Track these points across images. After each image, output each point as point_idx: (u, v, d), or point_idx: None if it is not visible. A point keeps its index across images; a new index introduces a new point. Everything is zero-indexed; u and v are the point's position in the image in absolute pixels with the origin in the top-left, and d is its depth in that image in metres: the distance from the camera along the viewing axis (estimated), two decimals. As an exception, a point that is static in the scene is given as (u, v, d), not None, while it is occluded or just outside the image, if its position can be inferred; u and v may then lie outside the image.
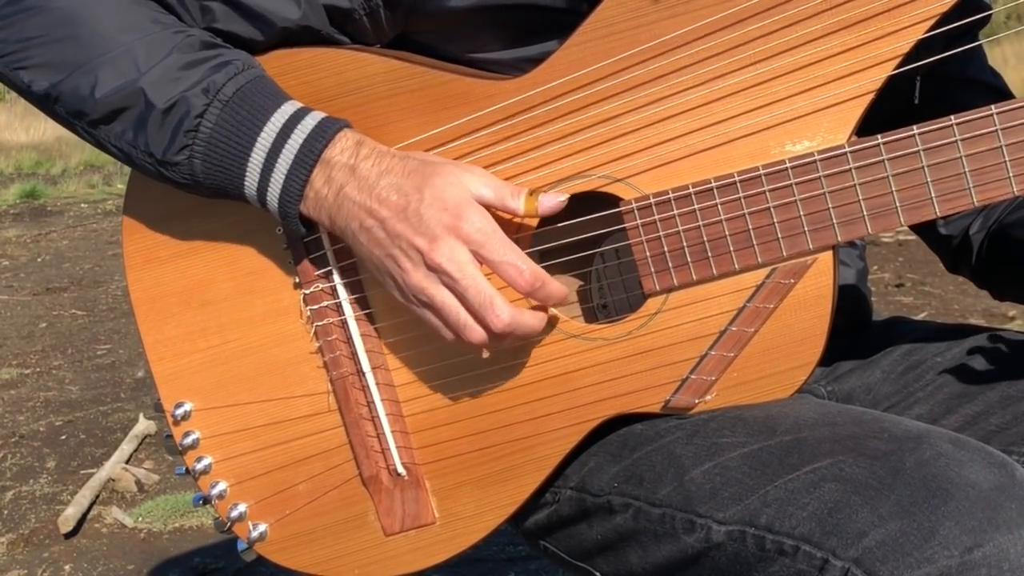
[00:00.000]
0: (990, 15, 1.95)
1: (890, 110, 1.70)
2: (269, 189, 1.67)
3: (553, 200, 1.65)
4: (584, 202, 1.71)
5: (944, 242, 2.10)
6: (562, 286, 1.68)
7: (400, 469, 1.78)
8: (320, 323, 1.78)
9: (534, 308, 1.68)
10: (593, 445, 1.79)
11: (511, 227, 1.70)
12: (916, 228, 2.12)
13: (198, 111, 1.65)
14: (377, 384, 1.77)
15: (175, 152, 1.67)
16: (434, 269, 1.62)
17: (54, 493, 5.11)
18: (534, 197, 1.65)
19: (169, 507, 4.86)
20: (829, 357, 1.85)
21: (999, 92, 2.03)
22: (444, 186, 1.62)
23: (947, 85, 1.89)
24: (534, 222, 1.71)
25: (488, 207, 1.65)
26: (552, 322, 1.73)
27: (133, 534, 4.70)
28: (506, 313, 1.62)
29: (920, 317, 6.13)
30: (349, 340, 1.77)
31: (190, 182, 1.71)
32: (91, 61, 1.67)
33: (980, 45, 2.05)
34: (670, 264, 1.69)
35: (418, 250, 1.61)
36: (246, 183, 1.68)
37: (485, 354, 1.74)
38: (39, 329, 8.17)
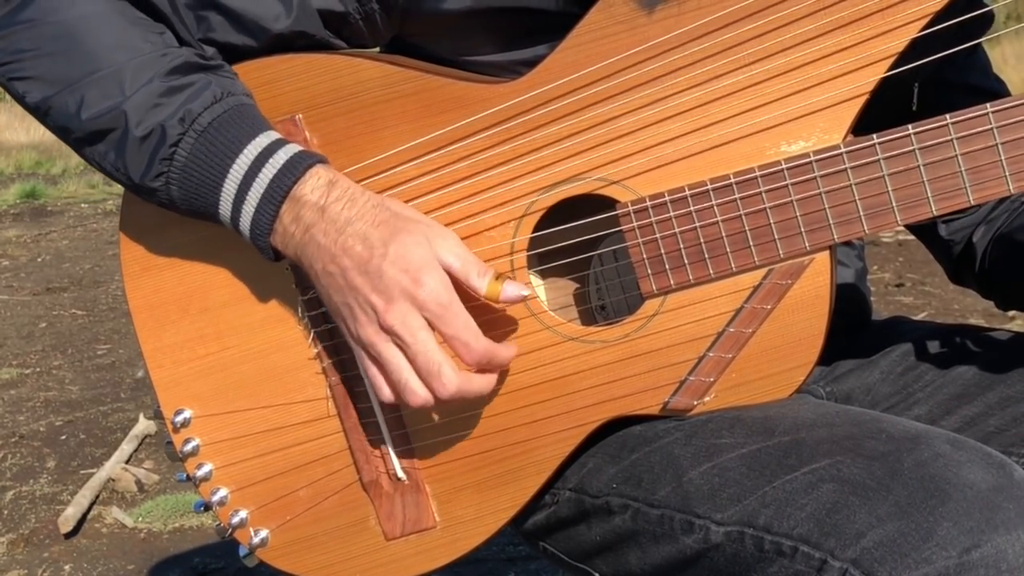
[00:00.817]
0: (991, 16, 1.94)
1: (888, 116, 1.67)
2: (241, 220, 1.66)
3: (516, 291, 1.64)
4: (581, 205, 1.70)
5: (946, 248, 2.09)
6: (511, 349, 1.68)
7: (400, 473, 1.77)
8: (318, 329, 1.77)
9: (483, 373, 1.67)
10: (592, 447, 1.79)
11: (506, 233, 1.70)
12: (920, 236, 2.12)
13: (173, 140, 1.65)
14: None
15: (152, 178, 1.67)
16: (386, 330, 1.61)
17: (54, 493, 5.11)
18: (499, 282, 1.63)
19: (169, 507, 4.86)
20: (828, 357, 1.84)
21: (998, 96, 1.97)
22: (410, 244, 1.60)
23: (948, 91, 1.88)
24: (531, 222, 1.70)
25: (451, 277, 1.63)
26: (550, 325, 1.72)
27: (133, 534, 4.70)
28: (453, 383, 1.61)
29: (920, 317, 6.14)
30: (347, 345, 1.73)
31: (170, 206, 1.71)
32: (80, 80, 1.66)
33: (983, 52, 2.06)
34: (667, 266, 1.68)
35: (373, 308, 1.61)
36: (220, 211, 1.67)
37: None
38: (39, 329, 8.17)
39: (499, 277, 1.64)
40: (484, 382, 1.67)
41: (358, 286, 1.61)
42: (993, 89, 2.04)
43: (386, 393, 1.66)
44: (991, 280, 2.07)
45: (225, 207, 1.67)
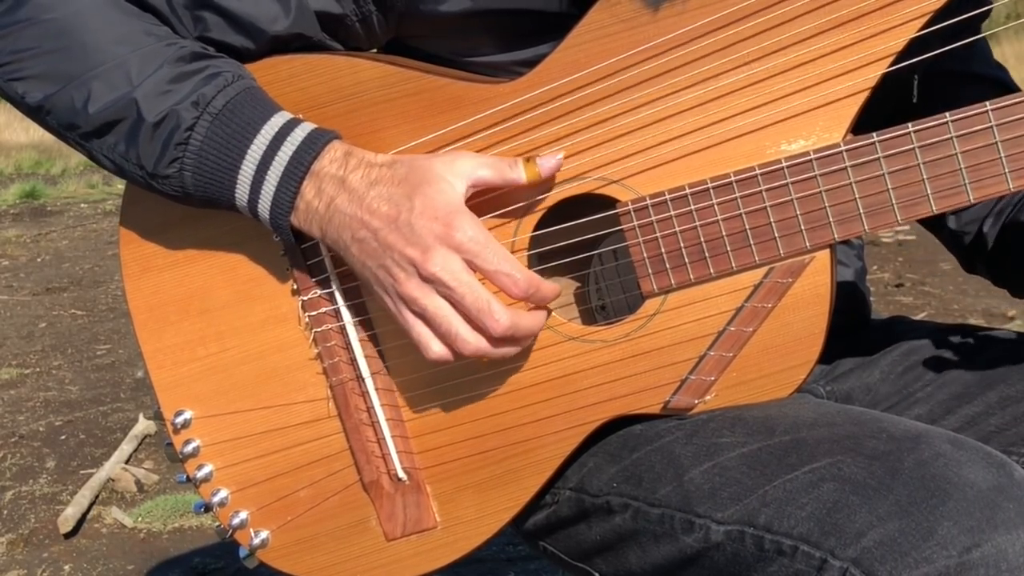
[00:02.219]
0: (990, 9, 1.93)
1: (888, 109, 1.69)
2: (260, 201, 1.66)
3: (552, 160, 1.65)
4: (581, 204, 1.70)
5: (957, 240, 2.09)
6: (556, 286, 1.67)
7: (401, 474, 1.77)
8: (319, 329, 1.77)
9: (531, 310, 1.68)
10: (592, 446, 1.79)
11: (507, 232, 1.70)
12: (930, 228, 2.11)
13: (188, 124, 1.64)
14: (376, 389, 1.76)
15: (166, 165, 1.66)
16: (428, 279, 1.61)
17: (54, 493, 5.11)
18: (532, 163, 1.64)
19: (169, 507, 4.86)
20: (828, 356, 1.84)
21: (1005, 86, 2.01)
22: (434, 194, 1.60)
23: (950, 81, 1.87)
24: (532, 221, 1.70)
25: (490, 187, 1.65)
26: (550, 325, 1.72)
27: (133, 534, 4.69)
28: (504, 316, 1.61)
29: (920, 317, 6.14)
30: (348, 346, 1.76)
31: (180, 194, 1.70)
32: (84, 74, 1.66)
33: (983, 39, 2.05)
34: (667, 265, 1.68)
35: (411, 261, 1.60)
36: (237, 195, 1.67)
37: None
38: (39, 329, 8.17)
39: (529, 159, 1.65)
40: (534, 320, 1.66)
41: (392, 243, 1.60)
42: (995, 76, 2.03)
43: (436, 348, 1.64)
44: (1003, 268, 2.06)
45: (243, 189, 1.66)
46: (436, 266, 1.59)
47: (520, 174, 1.63)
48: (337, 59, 1.74)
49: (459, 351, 1.64)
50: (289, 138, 1.65)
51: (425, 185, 1.61)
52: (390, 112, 1.72)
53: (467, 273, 1.61)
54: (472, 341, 1.63)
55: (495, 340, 1.64)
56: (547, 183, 1.68)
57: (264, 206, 1.67)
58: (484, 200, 1.69)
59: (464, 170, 1.63)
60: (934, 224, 2.10)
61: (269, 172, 1.65)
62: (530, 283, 1.63)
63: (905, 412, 1.91)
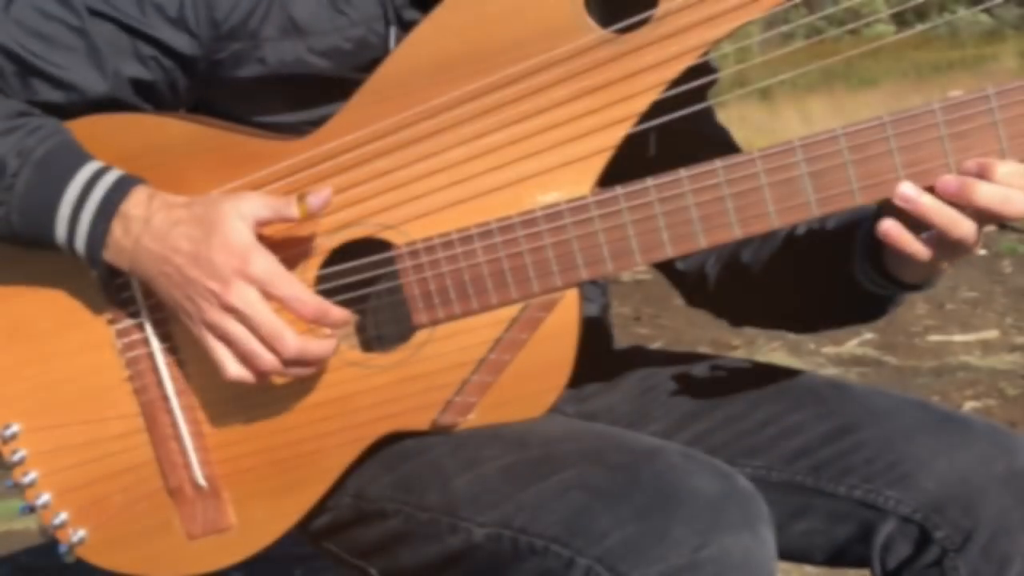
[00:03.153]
0: (716, 79, 2.02)
1: (629, 162, 1.73)
2: (76, 239, 1.69)
3: (319, 198, 1.68)
4: (361, 247, 1.74)
5: (681, 277, 2.13)
6: (344, 311, 1.70)
7: (201, 481, 1.80)
8: (130, 354, 1.79)
9: (322, 337, 1.71)
10: (370, 458, 1.82)
11: (295, 268, 1.73)
12: (659, 268, 2.14)
13: (12, 171, 1.68)
14: (180, 407, 1.78)
15: None
16: (228, 309, 1.64)
17: None
18: (303, 201, 1.67)
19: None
20: (575, 381, 1.88)
21: (727, 145, 2.06)
22: (228, 232, 1.64)
23: (681, 140, 1.92)
24: (317, 262, 1.75)
25: (269, 223, 1.68)
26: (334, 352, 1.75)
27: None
28: (295, 341, 1.65)
29: (655, 347, 6.24)
30: (155, 369, 1.79)
31: (9, 235, 1.72)
32: None
33: (710, 104, 2.12)
34: (436, 300, 1.72)
35: (212, 292, 1.64)
36: (56, 234, 1.69)
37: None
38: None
39: (301, 198, 1.67)
40: (321, 345, 1.70)
41: (194, 277, 1.64)
42: (720, 136, 2.09)
43: (234, 369, 1.68)
44: (721, 301, 2.12)
45: (61, 229, 1.69)
46: (234, 297, 1.63)
47: (293, 211, 1.66)
48: (148, 118, 1.77)
49: (257, 370, 1.67)
50: (99, 183, 1.68)
51: (220, 224, 1.64)
52: (194, 165, 1.74)
53: (261, 302, 1.64)
54: (267, 360, 1.66)
55: (287, 361, 1.67)
56: (332, 224, 1.72)
57: (80, 243, 1.69)
58: (275, 241, 1.71)
59: (247, 210, 1.66)
60: (662, 266, 2.13)
61: (82, 213, 1.68)
62: (318, 307, 1.67)
63: (643, 429, 1.95)
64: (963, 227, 1.59)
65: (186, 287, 1.67)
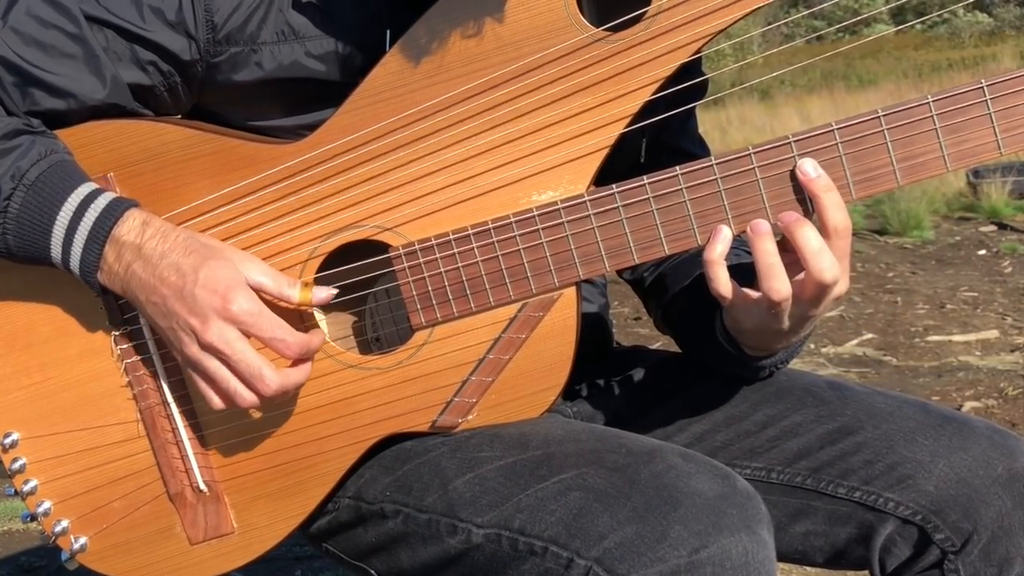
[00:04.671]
0: (705, 85, 2.04)
1: (621, 166, 1.75)
2: (71, 261, 1.70)
3: (325, 293, 1.71)
4: (358, 249, 1.74)
5: (631, 283, 2.18)
6: (322, 334, 1.74)
7: (202, 486, 1.80)
8: (129, 360, 1.79)
9: (298, 365, 1.72)
10: (369, 460, 1.83)
11: (293, 275, 1.74)
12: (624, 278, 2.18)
13: (6, 194, 1.69)
14: (180, 412, 1.79)
15: None
16: (206, 347, 1.65)
17: None
18: (308, 288, 1.69)
19: None
20: (575, 380, 1.89)
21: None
22: (217, 268, 1.65)
23: (666, 152, 1.96)
24: (315, 264, 1.75)
25: (266, 294, 1.69)
26: (331, 354, 1.76)
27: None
28: (274, 380, 1.67)
29: (656, 347, 6.25)
30: (155, 375, 1.79)
31: (6, 254, 1.74)
32: None
33: (694, 122, 2.13)
34: (434, 301, 1.73)
35: (192, 329, 1.65)
36: (51, 255, 1.71)
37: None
38: None
39: (306, 285, 1.69)
40: (301, 373, 1.71)
41: (176, 311, 1.66)
42: (696, 154, 2.07)
43: (217, 403, 1.70)
44: (647, 305, 2.18)
45: (56, 250, 1.70)
46: (213, 336, 1.64)
47: (294, 294, 1.69)
48: (144, 124, 1.78)
49: (238, 405, 1.69)
50: (92, 206, 1.69)
51: (212, 260, 1.66)
52: (191, 169, 1.75)
53: (241, 342, 1.66)
54: (248, 398, 1.68)
55: (268, 398, 1.69)
56: (330, 226, 1.74)
57: (75, 265, 1.70)
58: (272, 247, 1.73)
59: (249, 268, 1.69)
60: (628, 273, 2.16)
61: (76, 236, 1.69)
62: (301, 345, 1.68)
63: (642, 430, 1.94)
64: (779, 280, 1.61)
65: (170, 319, 1.69)
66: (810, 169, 1.60)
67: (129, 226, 1.69)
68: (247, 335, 1.66)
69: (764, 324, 1.67)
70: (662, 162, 1.73)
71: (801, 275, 1.60)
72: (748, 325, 1.68)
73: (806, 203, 1.63)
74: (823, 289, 1.60)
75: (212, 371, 1.68)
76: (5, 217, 1.70)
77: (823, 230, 1.59)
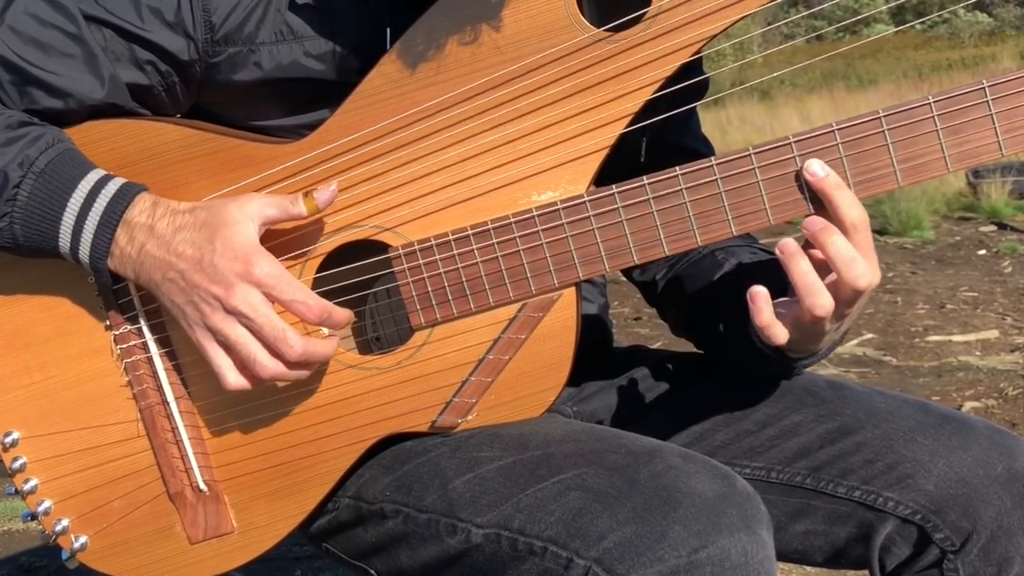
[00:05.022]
0: (706, 84, 2.03)
1: (621, 167, 1.74)
2: (80, 248, 1.70)
3: (327, 192, 1.69)
4: (358, 249, 1.74)
5: (639, 285, 2.18)
6: (346, 312, 1.71)
7: (202, 486, 1.80)
8: (129, 360, 1.79)
9: (324, 337, 1.71)
10: (369, 459, 1.83)
11: (292, 272, 1.73)
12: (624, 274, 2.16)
13: (15, 182, 1.68)
14: (180, 412, 1.79)
15: None
16: (232, 312, 1.64)
17: None
18: (311, 197, 1.67)
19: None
20: (575, 380, 1.90)
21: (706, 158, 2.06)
22: (232, 236, 1.64)
23: (665, 151, 1.96)
24: (314, 265, 1.75)
25: (276, 222, 1.69)
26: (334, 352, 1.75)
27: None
28: (299, 343, 1.65)
29: (655, 346, 6.25)
30: (155, 374, 1.79)
31: (12, 245, 1.73)
32: None
33: (696, 120, 2.13)
34: (433, 301, 1.73)
35: (216, 296, 1.64)
36: (60, 243, 1.70)
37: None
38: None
39: (307, 195, 1.68)
40: (325, 346, 1.70)
41: (198, 283, 1.65)
42: (701, 151, 2.09)
43: (233, 378, 1.69)
44: (666, 311, 2.17)
45: (65, 238, 1.70)
46: (238, 300, 1.63)
47: (301, 208, 1.67)
48: (143, 123, 1.78)
49: (258, 375, 1.67)
50: (103, 192, 1.69)
51: (223, 228, 1.65)
52: (190, 169, 1.75)
53: (266, 305, 1.65)
54: (270, 366, 1.66)
55: (291, 364, 1.67)
56: (330, 226, 1.73)
57: (84, 252, 1.70)
58: (272, 245, 1.71)
59: (253, 211, 1.66)
60: (629, 274, 2.16)
61: (86, 222, 1.68)
62: (323, 309, 1.67)
63: (642, 430, 1.90)
64: (821, 296, 1.61)
65: (189, 292, 1.68)
66: (818, 169, 1.60)
67: (140, 207, 1.70)
68: (270, 299, 1.66)
69: (807, 332, 1.67)
70: (664, 160, 1.73)
71: (833, 277, 1.60)
72: (792, 335, 1.67)
73: (807, 203, 1.63)
74: (859, 293, 1.60)
75: (235, 337, 1.67)
76: (14, 205, 1.70)
77: (841, 228, 1.59)
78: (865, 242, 1.60)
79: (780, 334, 1.62)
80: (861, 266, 1.58)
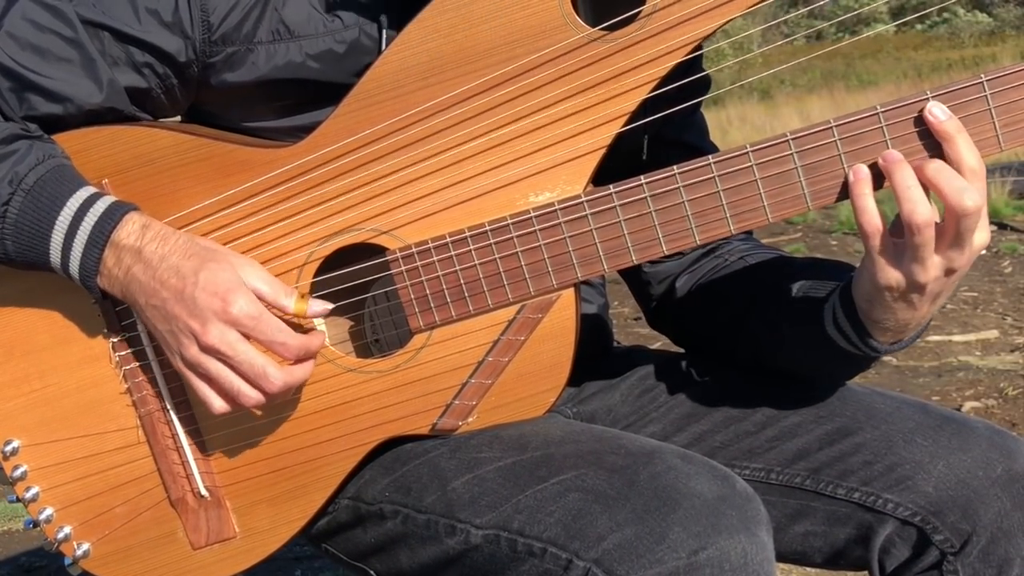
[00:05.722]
0: (708, 81, 2.03)
1: (622, 165, 1.73)
2: (70, 265, 1.70)
3: (320, 306, 1.70)
4: (356, 252, 1.74)
5: (648, 292, 2.15)
6: (321, 335, 1.73)
7: (203, 491, 1.81)
8: (128, 367, 1.79)
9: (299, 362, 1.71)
10: (368, 460, 1.83)
11: (290, 279, 1.75)
12: (627, 281, 2.17)
13: (4, 200, 1.68)
14: (180, 417, 1.79)
15: None
16: (207, 350, 1.65)
17: None
18: (304, 300, 1.68)
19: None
20: (575, 381, 1.89)
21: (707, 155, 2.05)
22: (217, 271, 1.65)
23: (667, 148, 1.95)
24: (312, 268, 1.76)
25: (263, 301, 1.68)
26: (331, 358, 1.77)
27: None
28: (279, 378, 1.67)
29: (655, 347, 6.26)
30: (153, 381, 1.79)
31: (6, 260, 1.73)
32: None
33: (701, 117, 2.12)
34: (432, 304, 1.73)
35: (192, 332, 1.65)
36: (51, 260, 1.70)
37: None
38: None
39: (303, 296, 1.69)
40: (304, 370, 1.71)
41: (176, 314, 1.65)
42: (705, 149, 2.08)
43: (218, 405, 1.70)
44: (684, 323, 2.13)
45: (55, 255, 1.70)
46: (214, 338, 1.64)
47: (291, 305, 1.68)
48: (138, 129, 1.78)
49: (242, 404, 1.69)
50: (91, 210, 1.68)
51: (211, 263, 1.66)
52: (186, 175, 1.75)
53: (243, 343, 1.65)
54: (252, 396, 1.68)
55: (272, 395, 1.69)
56: (328, 230, 1.74)
57: (74, 269, 1.70)
58: (269, 250, 1.74)
59: (248, 274, 1.68)
60: (630, 278, 2.15)
61: (75, 241, 1.69)
62: (300, 347, 1.68)
63: (641, 430, 1.96)
64: (921, 204, 1.56)
65: (170, 322, 1.69)
66: (940, 112, 1.56)
67: (128, 230, 1.69)
68: (247, 337, 1.66)
69: (907, 275, 1.61)
70: (665, 156, 1.73)
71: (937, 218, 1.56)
72: (890, 281, 1.61)
73: (805, 201, 1.63)
74: (966, 217, 1.54)
75: (214, 373, 1.67)
76: (4, 222, 1.70)
77: (960, 173, 1.56)
78: (981, 191, 1.56)
79: (873, 208, 1.59)
80: (968, 188, 1.54)
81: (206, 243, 1.72)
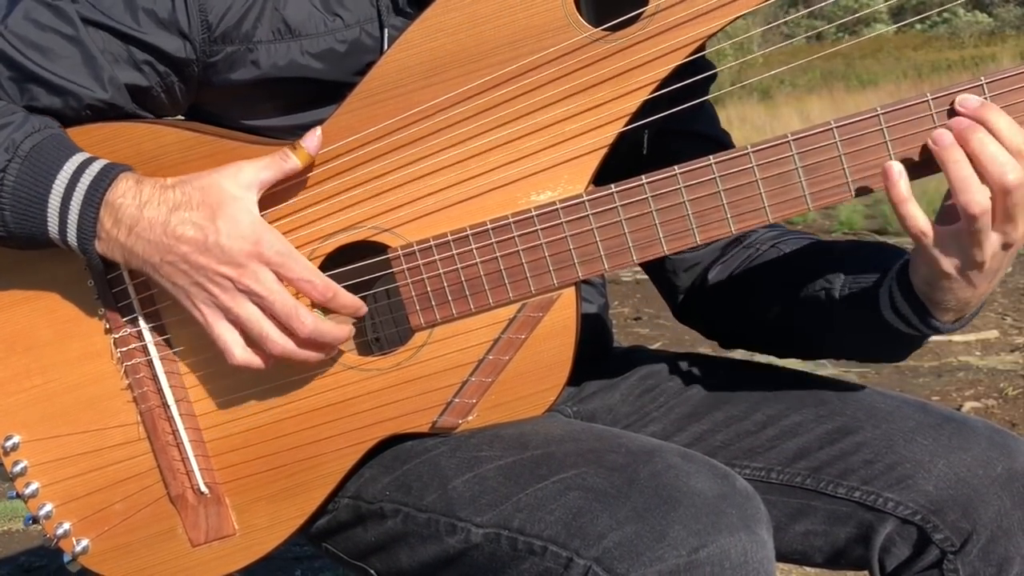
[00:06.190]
0: (714, 75, 2.03)
1: (623, 161, 1.75)
2: (68, 231, 1.69)
3: (313, 139, 1.70)
4: (357, 250, 1.75)
5: (672, 286, 2.14)
6: (353, 297, 1.72)
7: (203, 488, 1.80)
8: (129, 363, 1.79)
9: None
10: (369, 458, 1.83)
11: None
12: (650, 274, 2.16)
13: (1, 166, 1.68)
14: (180, 414, 1.79)
15: None
16: (244, 291, 1.66)
17: None
18: (300, 148, 1.69)
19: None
20: (575, 380, 1.90)
21: (723, 145, 2.05)
22: (235, 214, 1.65)
23: (676, 139, 1.95)
24: (314, 262, 1.75)
25: (273, 183, 1.70)
26: (331, 356, 1.76)
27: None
28: (309, 319, 1.67)
29: (655, 347, 6.24)
30: (155, 377, 1.79)
31: (5, 234, 1.72)
32: None
33: (710, 103, 2.10)
34: (433, 302, 1.73)
35: (226, 277, 1.65)
36: (48, 227, 1.70)
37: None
38: None
39: (295, 148, 1.69)
40: (336, 328, 1.71)
41: (203, 264, 1.65)
42: (717, 137, 2.09)
43: (240, 352, 1.70)
44: (718, 317, 2.12)
45: (52, 221, 1.69)
46: (251, 279, 1.65)
47: (295, 162, 1.68)
48: (141, 126, 1.78)
49: (269, 351, 1.68)
50: (87, 171, 1.68)
51: (224, 206, 1.66)
52: (189, 172, 1.74)
53: (277, 283, 1.66)
54: (280, 342, 1.68)
55: (301, 341, 1.69)
56: (329, 228, 1.74)
57: (71, 235, 1.69)
58: None
59: (249, 179, 1.68)
60: (654, 271, 2.14)
61: (71, 203, 1.68)
62: (327, 287, 1.69)
63: (642, 429, 1.97)
64: (977, 192, 1.55)
65: (194, 274, 1.68)
66: (973, 101, 1.57)
67: (124, 187, 1.69)
68: (278, 276, 1.67)
69: (967, 258, 1.61)
70: (677, 147, 1.75)
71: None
72: (950, 267, 1.61)
73: (805, 201, 1.63)
74: (1007, 192, 1.54)
75: (247, 315, 1.68)
76: (1, 190, 1.70)
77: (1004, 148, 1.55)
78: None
79: (916, 213, 1.58)
80: (1009, 163, 1.54)
81: (201, 182, 1.70)
